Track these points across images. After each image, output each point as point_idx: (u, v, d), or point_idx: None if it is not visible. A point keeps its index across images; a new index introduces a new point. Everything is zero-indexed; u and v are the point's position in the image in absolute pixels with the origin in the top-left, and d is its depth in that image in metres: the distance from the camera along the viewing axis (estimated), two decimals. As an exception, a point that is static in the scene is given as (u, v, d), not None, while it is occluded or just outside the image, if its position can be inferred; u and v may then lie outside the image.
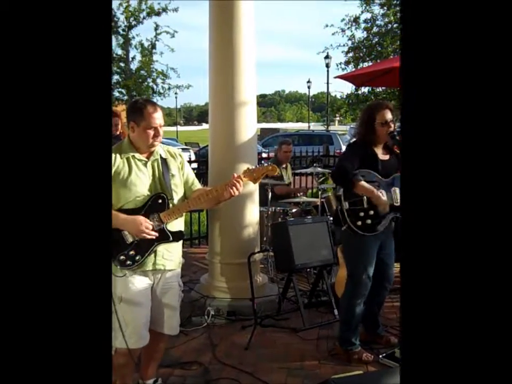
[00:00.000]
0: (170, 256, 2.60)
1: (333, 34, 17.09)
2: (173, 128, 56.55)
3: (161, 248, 2.55)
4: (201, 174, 7.59)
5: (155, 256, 2.54)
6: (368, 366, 3.19)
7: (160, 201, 2.53)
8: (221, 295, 4.13)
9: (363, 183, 3.11)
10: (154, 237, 2.49)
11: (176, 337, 3.58)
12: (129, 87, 17.72)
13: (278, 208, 5.26)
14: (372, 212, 3.16)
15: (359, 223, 3.15)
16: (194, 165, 7.47)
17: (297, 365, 3.25)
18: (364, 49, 16.88)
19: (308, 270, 4.76)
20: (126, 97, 18.07)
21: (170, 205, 2.55)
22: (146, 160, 2.56)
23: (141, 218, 2.46)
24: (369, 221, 3.16)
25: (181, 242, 2.70)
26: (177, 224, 2.61)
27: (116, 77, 17.90)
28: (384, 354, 3.26)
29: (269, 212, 5.14)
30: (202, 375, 3.11)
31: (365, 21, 16.69)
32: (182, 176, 2.67)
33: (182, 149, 17.32)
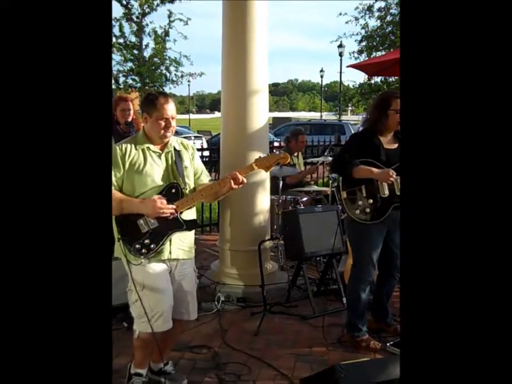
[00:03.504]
0: (183, 246, 2.66)
1: (346, 23, 16.93)
2: (186, 116, 56.51)
3: (175, 238, 2.60)
4: (213, 162, 7.64)
5: (170, 245, 2.59)
6: (375, 354, 3.22)
7: (173, 190, 2.58)
8: (231, 281, 4.18)
9: (360, 166, 3.13)
10: (170, 215, 2.51)
11: (186, 322, 3.66)
12: (142, 74, 17.71)
13: (289, 196, 5.29)
14: (371, 201, 3.18)
15: (357, 211, 3.19)
16: (207, 153, 7.51)
17: (305, 351, 3.29)
18: (377, 38, 16.69)
19: (318, 258, 4.79)
20: (139, 85, 18.07)
21: (183, 194, 2.59)
22: (160, 152, 2.61)
23: (156, 197, 2.49)
24: (368, 210, 3.18)
25: (193, 231, 2.75)
26: (189, 214, 2.66)
27: (129, 64, 17.88)
28: (391, 343, 3.29)
29: (280, 201, 5.17)
30: (211, 359, 3.17)
31: (379, 10, 16.49)
32: (193, 168, 2.73)
33: (195, 137, 17.34)
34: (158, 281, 2.57)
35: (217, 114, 55.68)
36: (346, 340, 3.37)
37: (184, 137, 16.45)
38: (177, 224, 2.58)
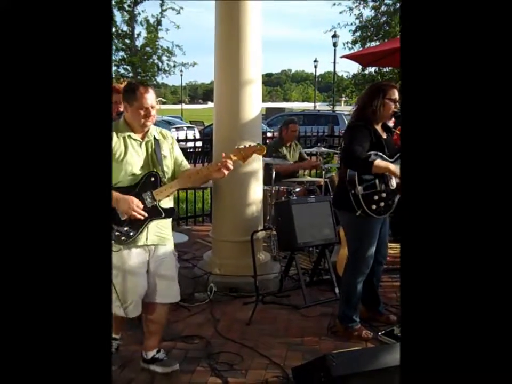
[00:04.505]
0: (160, 233, 2.74)
1: (340, 12, 16.93)
2: (178, 106, 56.28)
3: (152, 225, 2.68)
4: (205, 152, 7.60)
5: (147, 232, 2.67)
6: (367, 343, 3.24)
7: (153, 179, 2.67)
8: (223, 272, 4.18)
9: (378, 161, 3.09)
10: (143, 217, 2.61)
11: (178, 312, 3.67)
12: (134, 64, 17.61)
13: (282, 187, 5.29)
14: (384, 195, 3.17)
15: (374, 206, 3.15)
16: (199, 143, 7.48)
17: (297, 341, 3.31)
18: (372, 29, 16.69)
19: (310, 248, 4.81)
20: (131, 74, 17.97)
21: (162, 183, 2.68)
22: (141, 140, 2.69)
23: (132, 198, 2.58)
24: (382, 204, 3.17)
25: (170, 219, 2.83)
26: (168, 202, 2.75)
27: (121, 54, 17.79)
28: (383, 332, 3.32)
29: (273, 191, 5.17)
30: (204, 348, 3.18)
31: (373, 0, 16.47)
32: (172, 157, 2.80)
33: (187, 127, 17.27)
34: (133, 268, 2.65)
35: (210, 104, 55.45)
36: (338, 329, 3.39)
37: (177, 128, 16.36)
38: (156, 212, 2.67)
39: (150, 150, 2.70)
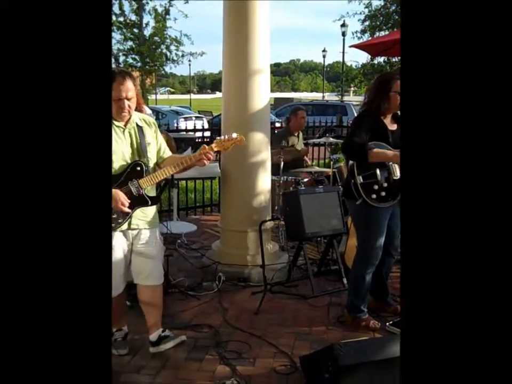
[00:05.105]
0: (144, 217, 2.81)
1: (349, 2, 16.74)
2: (186, 96, 56.21)
3: (137, 211, 2.77)
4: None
5: (130, 218, 2.75)
6: (375, 333, 3.26)
7: (138, 168, 2.73)
8: (232, 261, 4.20)
9: (376, 150, 3.10)
10: (129, 210, 2.70)
11: (187, 301, 3.71)
12: (142, 53, 17.56)
13: (290, 177, 5.29)
14: (385, 184, 3.16)
15: (374, 196, 3.15)
16: (208, 133, 7.48)
17: (305, 330, 3.33)
18: (381, 18, 16.51)
19: (318, 239, 4.82)
20: (139, 64, 17.95)
21: (147, 172, 2.75)
22: (124, 127, 2.72)
23: (119, 194, 2.64)
24: (383, 193, 3.16)
25: (155, 205, 2.92)
26: (152, 190, 2.84)
27: (129, 43, 17.72)
28: (391, 322, 3.33)
29: (281, 181, 5.17)
30: (212, 337, 3.21)
31: (383, -12, 16.30)
32: (157, 144, 2.87)
33: (196, 117, 17.26)
34: (114, 252, 2.71)
35: (218, 94, 55.41)
36: (346, 319, 3.41)
37: (185, 118, 16.32)
38: (142, 201, 2.76)
39: (133, 136, 2.75)
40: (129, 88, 2.62)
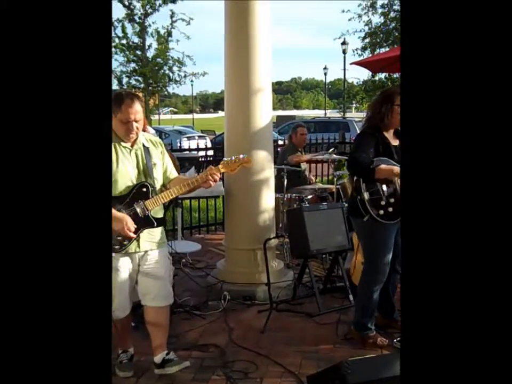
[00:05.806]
0: (152, 239, 2.80)
1: (349, 19, 16.89)
2: (189, 116, 56.53)
3: (144, 233, 2.74)
4: (218, 161, 7.63)
5: (138, 240, 2.73)
6: (382, 350, 3.22)
7: (144, 189, 2.72)
8: (237, 280, 4.18)
9: (381, 166, 3.09)
10: (135, 236, 2.69)
11: (193, 321, 3.68)
12: (145, 74, 17.76)
13: (294, 194, 5.29)
14: (392, 200, 3.15)
15: (381, 212, 3.13)
16: (211, 152, 7.51)
17: (312, 349, 3.29)
18: (381, 35, 16.65)
19: (323, 256, 4.79)
20: (142, 85, 18.13)
21: (153, 193, 2.73)
22: (130, 148, 2.73)
23: (126, 218, 2.63)
24: (390, 209, 3.14)
25: (162, 227, 2.90)
26: (159, 211, 2.81)
27: (132, 65, 17.94)
28: (398, 339, 3.29)
29: (285, 199, 5.18)
30: (219, 357, 3.18)
31: (382, 6, 16.46)
32: (163, 165, 2.86)
33: (198, 136, 17.34)
34: (121, 273, 2.71)
35: (221, 113, 55.71)
36: (353, 336, 3.37)
37: (188, 137, 16.45)
38: (148, 222, 2.74)
39: (140, 157, 2.75)
40: (138, 111, 2.64)
